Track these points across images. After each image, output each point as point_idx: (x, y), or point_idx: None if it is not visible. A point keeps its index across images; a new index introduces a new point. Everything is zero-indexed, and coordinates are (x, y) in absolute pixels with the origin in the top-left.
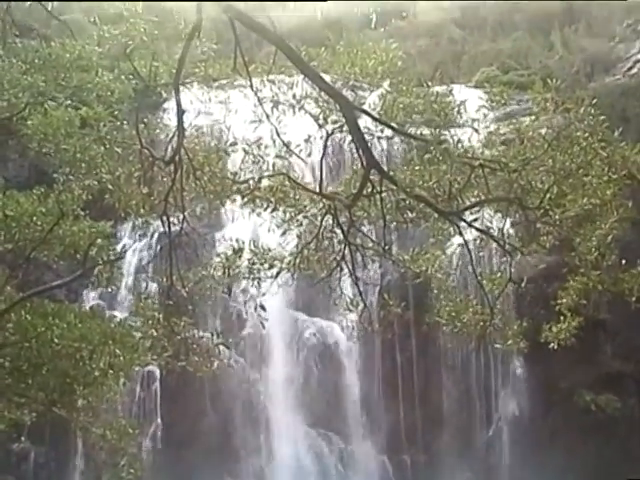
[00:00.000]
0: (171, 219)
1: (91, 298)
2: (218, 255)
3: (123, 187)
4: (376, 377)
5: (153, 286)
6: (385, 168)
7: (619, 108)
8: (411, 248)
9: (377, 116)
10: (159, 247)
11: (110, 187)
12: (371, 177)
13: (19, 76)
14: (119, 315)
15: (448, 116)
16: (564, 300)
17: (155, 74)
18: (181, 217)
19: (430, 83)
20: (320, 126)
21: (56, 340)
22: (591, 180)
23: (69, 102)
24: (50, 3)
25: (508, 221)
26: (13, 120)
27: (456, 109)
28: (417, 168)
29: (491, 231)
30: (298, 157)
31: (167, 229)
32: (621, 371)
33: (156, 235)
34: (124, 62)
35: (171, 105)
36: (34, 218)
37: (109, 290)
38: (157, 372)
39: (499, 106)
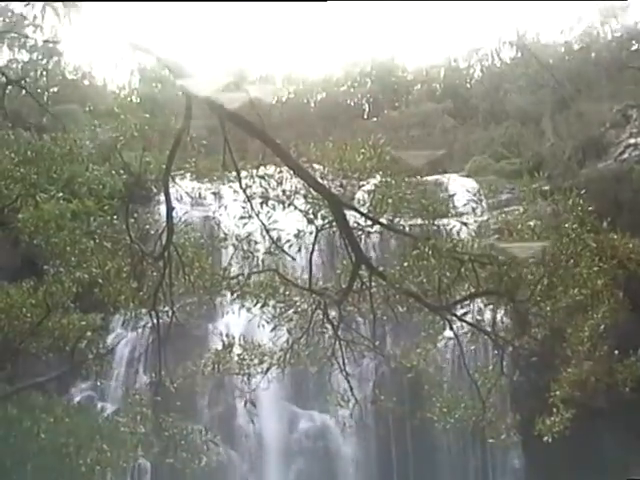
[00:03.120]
0: (161, 313)
1: (82, 389)
2: (209, 350)
3: (112, 281)
4: (371, 471)
5: (144, 379)
6: (375, 262)
7: (611, 194)
8: (403, 342)
9: (366, 211)
10: (151, 339)
11: (100, 281)
12: (361, 272)
13: (11, 167)
14: (110, 407)
15: (437, 210)
16: (557, 392)
17: (145, 169)
18: (171, 313)
19: (420, 175)
20: (310, 221)
21: (42, 435)
22: (581, 271)
23: (60, 194)
24: (45, 94)
25: (499, 313)
26: (4, 211)
27: (445, 203)
28: (406, 264)
29: (482, 324)
30: (287, 254)
31: (156, 324)
32: (625, 460)
33: (148, 327)
34: (115, 156)
35: (161, 199)
36: (24, 310)
37: (99, 383)
38: (148, 465)
39: (490, 195)
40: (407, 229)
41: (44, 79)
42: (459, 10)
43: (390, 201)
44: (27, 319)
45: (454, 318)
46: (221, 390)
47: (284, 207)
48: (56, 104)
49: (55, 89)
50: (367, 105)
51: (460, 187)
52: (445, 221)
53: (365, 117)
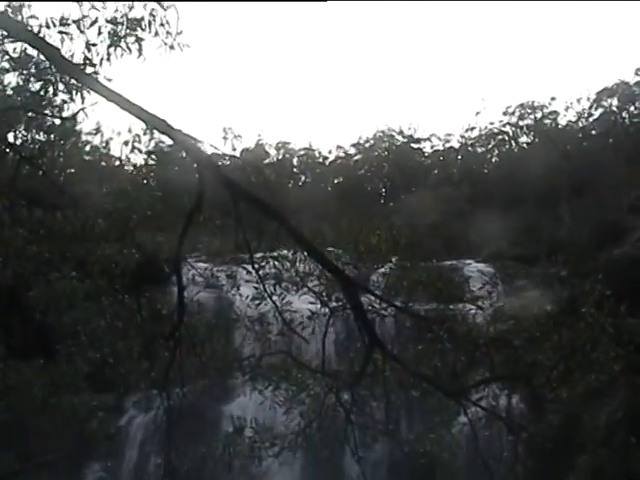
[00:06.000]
0: (172, 394)
1: (95, 470)
2: (219, 432)
3: (123, 361)
4: None
5: (157, 460)
6: (390, 346)
7: (628, 279)
8: (417, 426)
9: (381, 294)
10: (164, 420)
11: (110, 360)
12: (374, 355)
13: (24, 246)
14: None
15: (452, 294)
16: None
17: (158, 248)
18: (181, 394)
19: (435, 261)
20: (323, 303)
21: None
22: (598, 356)
23: (73, 274)
24: (62, 174)
25: (514, 398)
26: (17, 289)
27: (461, 286)
28: (420, 347)
29: (497, 409)
30: (300, 336)
31: (167, 405)
32: None
33: (162, 408)
34: (128, 235)
35: (174, 280)
36: (34, 388)
37: (110, 464)
38: None
39: (506, 281)
40: (422, 313)
41: (61, 160)
42: (477, 93)
43: (405, 284)
44: (38, 397)
45: (469, 403)
46: (231, 474)
47: (297, 289)
48: (72, 185)
49: (72, 170)
50: (384, 189)
51: (476, 272)
52: (460, 306)
53: (382, 201)
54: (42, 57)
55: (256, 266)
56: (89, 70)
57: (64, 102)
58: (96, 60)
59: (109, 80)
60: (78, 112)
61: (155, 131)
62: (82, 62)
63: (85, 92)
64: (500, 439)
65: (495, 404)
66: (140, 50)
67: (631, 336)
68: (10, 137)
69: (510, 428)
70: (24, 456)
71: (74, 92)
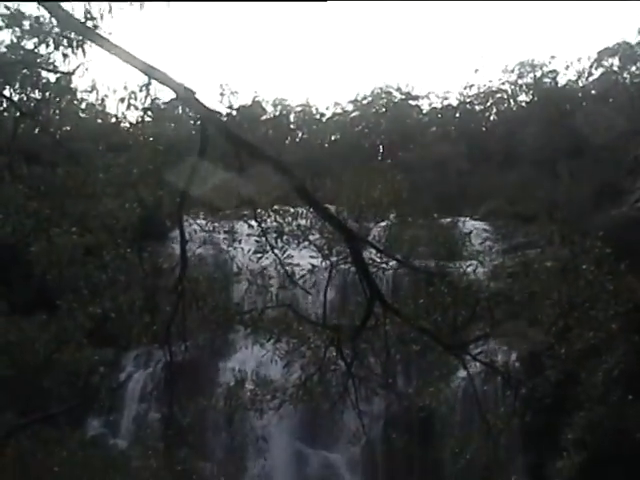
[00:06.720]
0: (174, 348)
1: (94, 426)
2: (220, 385)
3: (125, 315)
4: None
5: (155, 416)
6: (389, 300)
7: (626, 240)
8: (415, 380)
9: (382, 248)
10: (163, 376)
11: (112, 315)
12: (375, 309)
13: (24, 202)
14: (122, 443)
15: (453, 248)
16: (569, 435)
17: (160, 203)
18: (184, 347)
19: (436, 215)
20: (324, 257)
21: (56, 467)
22: (597, 314)
23: (73, 229)
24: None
25: (513, 354)
26: (18, 245)
27: (461, 242)
28: (421, 301)
29: (496, 364)
30: (302, 289)
31: (169, 358)
32: None
33: (160, 364)
34: (129, 190)
35: (176, 233)
36: (36, 344)
37: (111, 419)
38: None
39: (505, 238)
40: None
41: (57, 118)
42: (476, 52)
43: (407, 238)
44: (40, 353)
45: (468, 357)
46: (232, 426)
47: (299, 242)
48: (69, 142)
49: (68, 127)
50: (381, 146)
51: (474, 230)
52: (460, 263)
53: (379, 158)
54: (36, 15)
55: (258, 219)
56: (90, 24)
57: (65, 56)
58: (96, 14)
59: (109, 34)
60: (78, 67)
61: (151, 88)
62: (83, 17)
63: (87, 46)
64: (497, 395)
65: (495, 359)
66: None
67: (630, 294)
68: (7, 94)
69: (508, 383)
70: (26, 412)
71: (75, 46)
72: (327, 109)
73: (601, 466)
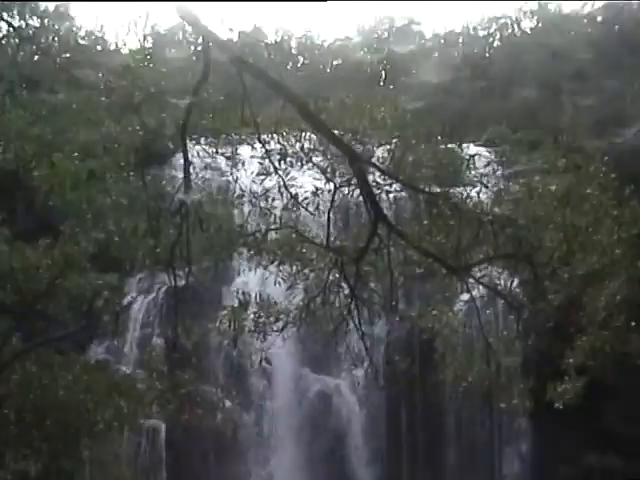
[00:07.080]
0: (177, 272)
1: (98, 352)
2: (224, 308)
3: (129, 239)
4: (380, 432)
5: (159, 340)
6: (393, 222)
7: (628, 169)
8: (418, 304)
9: (386, 170)
10: (165, 301)
11: (116, 239)
12: (379, 231)
13: (26, 127)
14: (125, 369)
15: (457, 172)
16: (571, 360)
17: (162, 126)
18: (187, 270)
19: (439, 139)
20: (328, 179)
21: (61, 391)
22: (601, 239)
23: (76, 154)
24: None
25: (516, 278)
26: (20, 171)
27: (465, 164)
28: (425, 223)
29: (499, 288)
30: (305, 210)
31: (173, 281)
32: (626, 434)
33: (163, 289)
34: (131, 113)
35: (178, 157)
36: (40, 270)
37: (115, 344)
38: (163, 426)
39: (508, 164)
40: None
41: (56, 45)
42: None
43: (410, 160)
44: (43, 279)
45: (471, 281)
46: (236, 349)
47: (302, 164)
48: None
49: (67, 55)
50: (384, 71)
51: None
52: (464, 187)
53: (381, 84)
54: None
55: (261, 141)
56: None
57: None
58: None
59: None
60: None
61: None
62: None
63: None
64: (499, 319)
65: (498, 283)
66: None
67: (634, 220)
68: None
69: (511, 306)
70: (29, 337)
71: None
72: (328, 34)
73: (602, 391)
